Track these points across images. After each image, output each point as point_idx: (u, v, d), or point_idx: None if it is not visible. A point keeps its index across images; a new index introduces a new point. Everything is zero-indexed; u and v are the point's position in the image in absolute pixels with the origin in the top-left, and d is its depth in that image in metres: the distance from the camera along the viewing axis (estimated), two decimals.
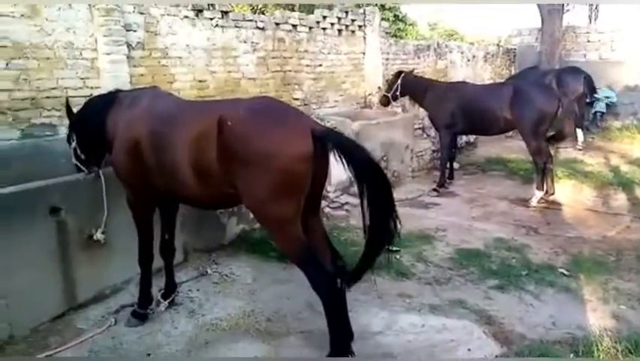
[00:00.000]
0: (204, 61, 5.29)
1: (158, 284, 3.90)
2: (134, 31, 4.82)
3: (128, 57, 4.60)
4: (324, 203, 5.71)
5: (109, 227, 3.76)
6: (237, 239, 5.11)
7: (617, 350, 3.04)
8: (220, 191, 2.97)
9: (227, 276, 4.42)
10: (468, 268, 4.53)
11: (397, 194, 6.86)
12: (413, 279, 4.34)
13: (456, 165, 8.47)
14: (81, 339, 3.39)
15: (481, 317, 3.67)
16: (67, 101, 3.79)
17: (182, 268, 4.43)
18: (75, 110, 3.74)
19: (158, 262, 3.76)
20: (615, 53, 12.15)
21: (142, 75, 4.80)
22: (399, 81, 7.15)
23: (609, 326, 3.46)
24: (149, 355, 3.25)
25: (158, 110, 3.28)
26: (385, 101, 7.33)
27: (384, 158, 6.99)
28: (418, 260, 4.72)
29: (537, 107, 6.28)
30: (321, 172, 2.93)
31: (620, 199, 6.61)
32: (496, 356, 3.13)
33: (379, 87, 7.88)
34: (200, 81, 5.27)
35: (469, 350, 3.21)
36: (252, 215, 5.21)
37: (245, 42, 5.70)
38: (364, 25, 7.52)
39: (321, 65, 6.91)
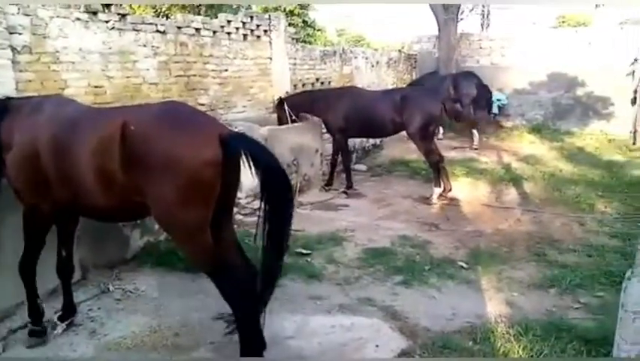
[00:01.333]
0: (100, 66, 5.00)
1: (54, 306, 3.62)
2: (20, 34, 4.44)
3: (13, 62, 4.24)
4: (235, 210, 5.63)
5: None
6: (142, 252, 4.87)
7: (510, 334, 3.29)
8: (126, 200, 2.82)
9: (131, 292, 4.21)
10: (375, 267, 4.68)
11: (309, 197, 7.03)
12: (324, 281, 4.40)
13: (363, 167, 8.77)
14: None
15: (388, 313, 3.81)
16: None
17: (81, 286, 4.15)
18: None
19: (53, 281, 3.50)
20: (505, 58, 13.21)
21: (30, 81, 4.44)
22: (285, 107, 7.30)
23: (504, 313, 3.75)
24: None
25: (62, 117, 3.07)
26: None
27: (295, 162, 7.04)
28: (329, 262, 4.80)
29: (424, 110, 6.71)
30: (232, 178, 2.86)
31: (511, 194, 7.19)
32: (402, 351, 3.26)
33: (287, 92, 7.94)
34: (96, 87, 4.98)
35: (376, 346, 3.31)
36: (156, 226, 5.06)
37: (145, 46, 5.48)
38: (270, 30, 7.54)
39: (227, 70, 6.82)
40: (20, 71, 4.41)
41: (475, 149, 10.19)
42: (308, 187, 7.32)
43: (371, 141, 9.70)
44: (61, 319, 3.57)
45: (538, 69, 12.70)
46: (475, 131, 10.48)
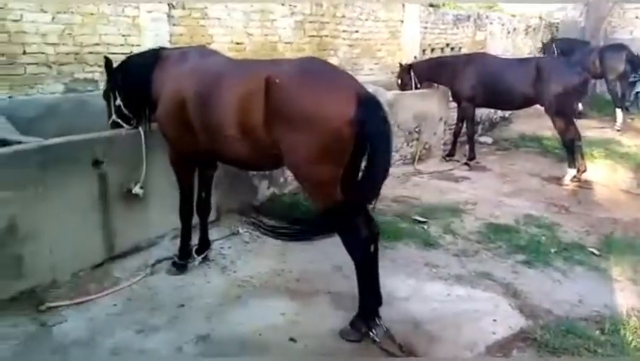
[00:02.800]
0: (242, 23, 5.28)
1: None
2: None
3: (168, 16, 4.64)
4: None
5: (147, 182, 3.89)
6: (268, 202, 5.20)
7: None
8: (264, 151, 3.00)
9: (257, 236, 4.52)
10: (496, 243, 4.54)
11: (428, 166, 6.92)
12: (440, 250, 4.37)
13: (489, 140, 8.39)
14: (118, 287, 3.56)
15: (507, 290, 3.70)
16: (106, 59, 3.82)
17: (214, 226, 4.54)
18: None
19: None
20: None
21: (181, 35, 4.84)
22: (412, 74, 7.11)
23: (637, 307, 3.46)
24: (182, 306, 3.39)
25: (206, 68, 3.31)
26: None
27: (417, 129, 6.94)
28: (446, 232, 4.74)
29: (561, 82, 6.15)
30: (364, 137, 2.91)
31: None
32: (521, 329, 3.17)
33: (415, 57, 7.76)
34: (237, 43, 5.28)
35: (494, 320, 3.25)
36: (282, 179, 5.35)
37: (283, 5, 5.66)
38: None
39: (357, 32, 6.81)
40: (174, 25, 4.81)
41: (618, 130, 9.21)
42: (428, 156, 7.20)
43: (499, 112, 9.19)
44: (198, 252, 3.96)
45: None
46: (619, 111, 9.46)
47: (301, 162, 2.87)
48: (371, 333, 2.94)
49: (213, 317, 3.24)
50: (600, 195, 6.02)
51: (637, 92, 10.85)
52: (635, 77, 10.60)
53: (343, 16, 6.50)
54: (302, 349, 2.95)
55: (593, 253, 4.34)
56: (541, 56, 9.82)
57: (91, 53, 4.46)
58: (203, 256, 3.97)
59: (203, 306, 3.38)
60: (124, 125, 3.83)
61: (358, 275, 2.99)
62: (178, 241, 3.97)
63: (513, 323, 3.24)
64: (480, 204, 5.54)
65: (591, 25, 11.59)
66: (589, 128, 9.06)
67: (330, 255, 4.05)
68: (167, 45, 4.65)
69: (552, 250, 4.37)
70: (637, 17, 12.02)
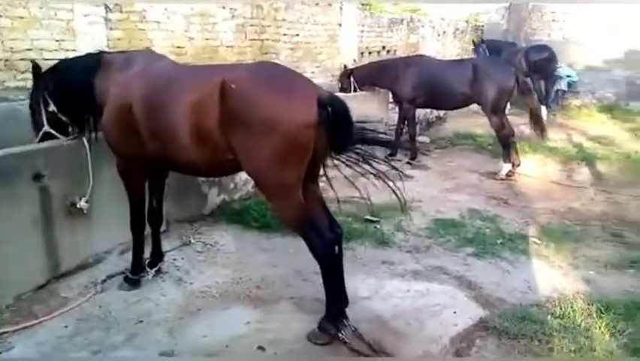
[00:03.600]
0: (183, 27, 5.14)
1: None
2: None
3: (105, 19, 4.43)
4: None
5: (93, 195, 3.68)
6: (218, 209, 5.09)
7: (591, 311, 3.25)
8: (220, 157, 2.94)
9: (211, 245, 4.42)
10: (445, 237, 4.70)
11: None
12: (394, 247, 4.46)
13: (427, 139, 8.68)
14: (67, 308, 3.34)
15: (462, 282, 3.84)
16: (34, 64, 3.55)
17: (165, 237, 4.35)
18: None
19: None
20: (578, 32, 12.50)
21: (119, 39, 4.63)
22: (352, 79, 7.27)
23: (581, 290, 3.70)
24: (140, 322, 3.24)
25: (155, 73, 3.19)
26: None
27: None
28: (398, 230, 4.85)
29: (497, 83, 6.51)
30: (325, 139, 2.93)
31: (583, 173, 6.96)
32: (480, 319, 3.29)
33: (354, 60, 7.90)
34: (178, 47, 5.14)
35: (454, 312, 3.35)
36: (232, 185, 5.25)
37: (224, 8, 5.57)
38: None
39: (298, 35, 6.84)
40: (111, 28, 4.60)
41: None
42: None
43: (435, 112, 9.55)
44: (151, 265, 3.79)
45: (612, 45, 11.97)
46: (543, 108, 10.07)
47: (262, 167, 2.84)
48: (340, 334, 2.95)
49: (175, 332, 3.12)
50: (534, 187, 6.40)
51: (557, 90, 11.65)
52: (567, 76, 11.40)
53: (284, 20, 6.51)
54: (272, 356, 2.91)
55: (535, 243, 4.60)
56: (475, 57, 10.30)
57: (22, 59, 4.16)
58: (156, 269, 3.81)
59: (163, 321, 3.24)
60: (59, 136, 3.59)
61: (324, 277, 2.99)
62: (127, 256, 3.80)
63: (472, 314, 3.36)
64: (426, 201, 5.72)
65: (513, 27, 12.33)
66: (517, 125, 9.59)
67: (288, 260, 4.04)
68: (105, 50, 4.43)
69: (498, 242, 4.59)
70: (554, 20, 12.91)
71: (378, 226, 4.89)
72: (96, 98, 3.35)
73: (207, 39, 5.49)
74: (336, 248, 3.01)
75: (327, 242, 2.93)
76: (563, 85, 11.85)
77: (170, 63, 3.45)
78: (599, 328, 3.10)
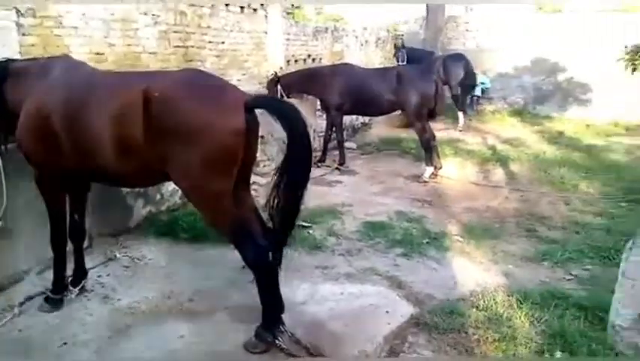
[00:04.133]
0: (102, 32, 4.92)
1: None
2: None
3: (17, 24, 4.15)
4: None
5: (7, 212, 3.43)
6: (145, 222, 4.92)
7: (511, 302, 3.48)
8: (145, 167, 2.86)
9: (138, 259, 4.27)
10: (375, 239, 4.84)
11: None
12: (327, 251, 4.53)
13: (353, 145, 8.88)
14: None
15: (393, 282, 3.97)
16: None
17: (88, 253, 4.14)
18: None
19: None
20: (490, 41, 13.35)
21: (33, 45, 4.34)
22: (278, 87, 7.34)
23: (501, 283, 3.95)
24: (64, 344, 3.06)
25: (74, 81, 3.05)
26: None
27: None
28: (330, 234, 4.93)
29: (420, 90, 6.84)
30: (253, 145, 2.94)
31: (498, 173, 7.42)
32: (412, 316, 3.42)
33: (281, 67, 7.93)
34: (97, 54, 4.90)
35: (387, 311, 3.46)
36: (158, 196, 5.10)
37: (146, 14, 5.39)
38: (266, 4, 7.48)
39: (223, 43, 6.76)
40: (24, 34, 4.31)
41: (461, 130, 10.40)
42: None
43: (360, 119, 9.80)
44: (74, 283, 3.60)
45: (521, 53, 12.92)
46: (460, 114, 10.69)
47: (190, 176, 2.80)
48: (277, 341, 2.95)
49: (104, 352, 2.99)
50: (455, 188, 6.74)
51: (472, 96, 12.36)
52: (481, 83, 12.10)
53: (209, 27, 6.41)
54: None
55: (459, 240, 4.86)
56: (399, 65, 10.69)
57: None
58: (80, 287, 3.61)
59: (90, 341, 3.09)
60: None
61: (259, 285, 2.98)
62: (47, 275, 3.58)
63: (403, 312, 3.48)
64: (355, 205, 5.86)
65: (430, 36, 12.93)
66: (436, 130, 10.06)
67: (221, 270, 3.99)
68: (18, 57, 4.15)
69: (424, 241, 4.79)
70: (467, 30, 13.71)
71: (310, 231, 4.95)
72: (8, 110, 3.14)
73: (129, 45, 5.29)
74: (270, 255, 3.01)
75: (260, 250, 2.93)
76: (477, 91, 12.60)
77: (90, 70, 3.31)
78: (519, 317, 3.32)
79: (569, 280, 4.10)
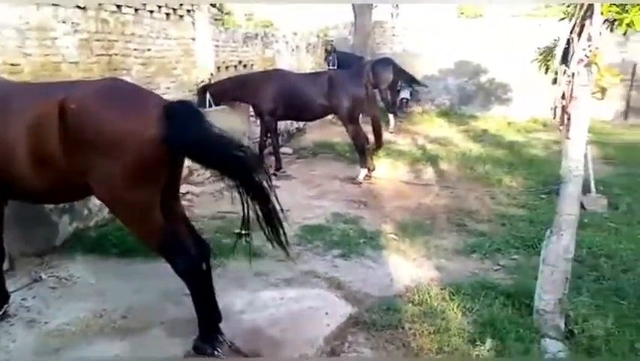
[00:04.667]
0: (16, 42, 4.64)
1: None
2: None
3: None
4: None
5: None
6: (72, 239, 4.68)
7: (444, 295, 3.63)
8: (64, 181, 2.73)
9: (66, 279, 4.05)
10: (313, 243, 4.88)
11: None
12: (266, 258, 4.50)
13: (289, 150, 8.91)
14: None
15: (332, 283, 4.03)
16: None
17: (10, 276, 3.89)
18: None
19: None
20: (416, 46, 13.85)
21: None
22: (207, 95, 7.23)
23: (435, 277, 4.10)
24: None
25: None
26: None
27: None
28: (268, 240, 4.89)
29: (352, 94, 6.99)
30: (178, 153, 2.86)
31: (428, 172, 7.70)
32: (350, 315, 3.48)
33: (212, 74, 7.83)
34: (12, 65, 4.62)
35: (326, 313, 3.50)
36: (86, 211, 4.87)
37: (64, 22, 5.14)
38: (193, 10, 7.36)
39: (149, 50, 6.57)
40: None
41: (392, 132, 10.69)
42: None
43: (295, 124, 9.84)
44: None
45: (446, 57, 13.51)
46: (391, 116, 11.00)
47: (112, 189, 2.70)
48: (216, 352, 2.91)
49: None
50: (388, 188, 6.93)
51: (402, 99, 12.76)
52: (400, 85, 12.47)
53: (133, 34, 6.20)
54: None
55: (393, 238, 4.99)
56: (330, 70, 10.84)
57: None
58: (1, 312, 3.39)
59: None
60: None
61: (194, 297, 2.93)
62: None
63: (342, 312, 3.54)
64: (293, 209, 5.85)
65: (359, 41, 13.22)
66: (368, 133, 10.32)
67: (155, 284, 3.86)
68: None
69: (361, 241, 4.89)
70: (394, 35, 14.16)
71: (249, 239, 4.90)
72: None
73: (47, 55, 5.01)
74: (204, 265, 2.97)
75: (192, 260, 2.88)
76: (406, 94, 13.03)
77: (4, 81, 3.14)
78: (452, 309, 3.46)
79: (496, 270, 4.33)
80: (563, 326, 3.21)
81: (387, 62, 11.19)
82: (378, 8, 16.00)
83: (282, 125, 8.88)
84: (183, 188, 6.12)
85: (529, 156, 8.59)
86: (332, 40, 14.36)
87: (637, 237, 4.82)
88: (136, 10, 6.29)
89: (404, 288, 3.91)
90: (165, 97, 6.86)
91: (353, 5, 13.11)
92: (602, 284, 3.93)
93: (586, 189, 5.95)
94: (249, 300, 3.69)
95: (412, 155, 8.61)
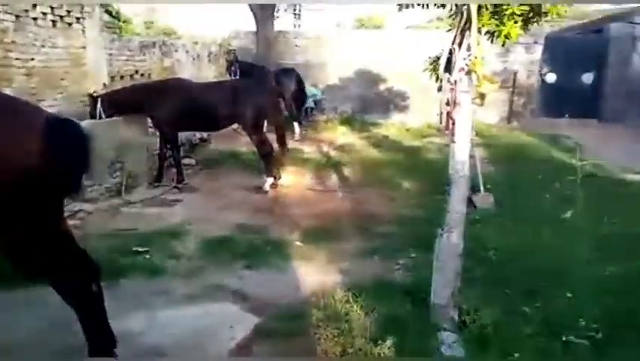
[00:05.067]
0: None
1: None
2: None
3: None
4: None
5: None
6: None
7: (349, 297, 3.70)
8: None
9: None
10: (218, 255, 4.77)
11: (138, 195, 6.73)
12: (166, 275, 4.34)
13: (192, 161, 8.68)
14: None
15: (236, 296, 3.96)
16: None
17: None
18: None
19: None
20: (318, 56, 14.17)
21: None
22: (98, 106, 6.78)
23: (339, 281, 4.19)
24: None
25: None
26: None
27: (119, 159, 6.66)
28: (170, 257, 4.73)
29: (256, 103, 6.98)
30: (62, 168, 2.64)
31: (333, 178, 7.88)
32: (256, 326, 3.44)
33: (105, 84, 7.44)
34: None
35: (230, 327, 3.44)
36: None
37: None
38: (82, 18, 6.94)
39: (33, 59, 6.10)
40: None
41: (297, 140, 10.81)
42: (135, 184, 7.00)
43: (198, 134, 9.62)
44: None
45: (346, 66, 13.95)
46: (295, 124, 11.12)
47: None
48: None
49: None
50: (294, 196, 6.99)
51: (306, 108, 12.94)
52: (313, 94, 12.67)
53: (14, 42, 5.72)
54: None
55: (299, 245, 5.03)
56: (233, 79, 10.72)
57: None
58: None
59: None
60: None
61: (82, 322, 2.73)
62: None
63: (248, 324, 3.49)
64: (196, 223, 5.72)
65: (262, 51, 13.25)
66: (274, 142, 10.35)
67: (29, 313, 3.54)
68: None
69: (267, 250, 4.88)
70: (296, 45, 14.35)
71: (148, 256, 4.70)
72: None
73: None
74: (94, 286, 2.78)
75: (79, 283, 2.68)
76: (310, 103, 13.24)
77: None
78: (356, 311, 3.55)
79: (397, 269, 4.51)
80: (456, 317, 3.41)
81: (290, 71, 11.32)
82: (280, 19, 16.19)
83: (183, 135, 8.65)
84: (75, 205, 5.74)
85: (425, 159, 9.09)
86: (234, 50, 14.26)
87: (520, 230, 5.26)
88: (17, 16, 5.82)
89: (310, 294, 3.94)
90: (53, 110, 6.43)
91: (255, 14, 13.13)
92: (491, 276, 4.23)
93: (476, 188, 6.41)
94: (147, 321, 3.52)
95: (316, 162, 8.76)
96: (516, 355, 3.01)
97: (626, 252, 4.71)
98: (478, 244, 4.79)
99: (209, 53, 12.50)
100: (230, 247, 4.92)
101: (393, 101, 14.20)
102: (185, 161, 8.36)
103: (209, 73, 12.57)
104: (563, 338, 3.21)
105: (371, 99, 14.33)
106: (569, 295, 3.73)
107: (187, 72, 10.80)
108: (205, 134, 9.95)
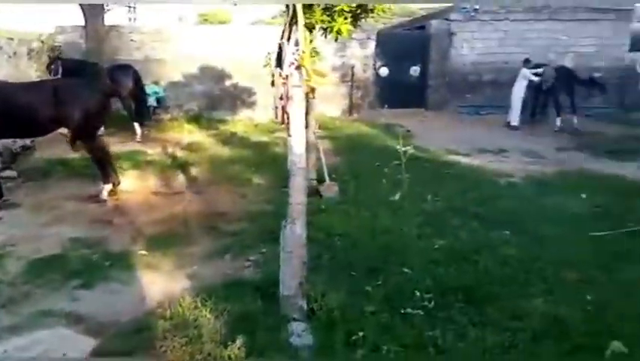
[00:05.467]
0: None
1: None
2: None
3: None
4: None
5: None
6: None
7: (197, 302, 3.56)
8: None
9: None
10: (46, 277, 4.27)
11: None
12: None
13: (13, 173, 7.64)
14: None
15: (70, 319, 3.59)
16: None
17: None
18: None
19: None
20: (157, 52, 13.41)
21: None
22: None
23: (187, 286, 4.02)
24: None
25: None
26: None
27: None
28: None
29: (85, 104, 6.37)
30: None
31: (179, 180, 7.55)
32: (93, 349, 3.14)
33: None
34: None
35: (64, 354, 3.09)
36: None
37: None
38: None
39: None
40: None
41: (139, 141, 10.14)
42: None
43: (19, 142, 8.49)
44: None
45: (189, 63, 13.43)
46: (136, 124, 10.41)
47: None
48: None
49: None
50: (137, 202, 6.53)
51: (148, 106, 12.19)
52: (155, 92, 11.93)
53: None
54: None
55: (143, 255, 4.72)
56: (57, 78, 9.61)
57: None
58: None
59: None
60: None
61: None
62: None
63: (84, 346, 3.19)
64: (19, 243, 5.04)
65: (93, 47, 12.13)
66: (112, 144, 9.56)
67: None
68: None
69: (106, 264, 4.49)
70: (132, 40, 13.42)
71: None
72: None
73: None
74: None
75: None
76: (152, 101, 12.52)
77: None
78: (205, 315, 3.42)
79: (247, 266, 4.47)
80: (305, 306, 3.48)
81: (126, 68, 10.54)
82: (113, 11, 15.04)
83: (0, 144, 7.58)
84: None
85: (273, 154, 9.15)
86: (59, 46, 12.90)
87: (362, 216, 5.57)
88: None
89: (156, 304, 3.71)
90: None
91: (82, 7, 11.95)
92: (337, 261, 4.41)
93: (321, 178, 6.65)
94: None
95: (161, 163, 8.32)
96: (360, 334, 3.16)
97: (450, 226, 5.28)
98: (324, 231, 4.98)
99: (29, 50, 11.11)
100: (61, 266, 4.44)
101: (239, 98, 14.05)
102: (5, 174, 7.34)
103: (32, 72, 11.20)
104: (402, 311, 3.46)
105: (217, 96, 14.02)
106: (405, 270, 4.02)
107: (3, 71, 9.49)
108: (28, 141, 8.82)
